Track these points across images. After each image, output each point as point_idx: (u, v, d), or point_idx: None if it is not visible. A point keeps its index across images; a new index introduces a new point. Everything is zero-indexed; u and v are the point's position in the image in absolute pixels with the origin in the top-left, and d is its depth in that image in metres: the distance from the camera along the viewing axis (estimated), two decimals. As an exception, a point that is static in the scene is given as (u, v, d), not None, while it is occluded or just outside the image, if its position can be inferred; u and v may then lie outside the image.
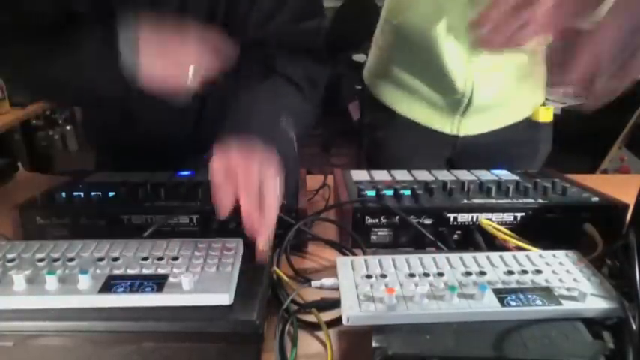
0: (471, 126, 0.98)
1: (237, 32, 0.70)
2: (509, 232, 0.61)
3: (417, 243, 0.65)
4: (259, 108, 0.65)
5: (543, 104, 1.01)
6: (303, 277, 0.58)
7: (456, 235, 0.66)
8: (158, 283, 0.47)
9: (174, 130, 0.80)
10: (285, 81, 0.73)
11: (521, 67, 0.92)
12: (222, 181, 0.53)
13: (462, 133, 0.98)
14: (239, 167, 0.52)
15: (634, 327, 0.42)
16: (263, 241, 0.52)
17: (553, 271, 0.51)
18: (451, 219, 0.65)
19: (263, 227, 0.52)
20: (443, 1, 0.85)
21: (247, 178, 0.52)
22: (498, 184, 0.72)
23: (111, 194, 0.64)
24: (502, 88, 0.94)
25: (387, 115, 1.01)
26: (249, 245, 0.53)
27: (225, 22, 0.71)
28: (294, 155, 0.64)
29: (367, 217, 0.65)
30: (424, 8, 0.87)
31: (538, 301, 0.45)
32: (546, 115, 1.00)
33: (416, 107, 0.98)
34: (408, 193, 0.69)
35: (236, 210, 0.52)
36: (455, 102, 0.94)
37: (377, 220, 0.66)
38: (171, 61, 0.58)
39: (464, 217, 0.65)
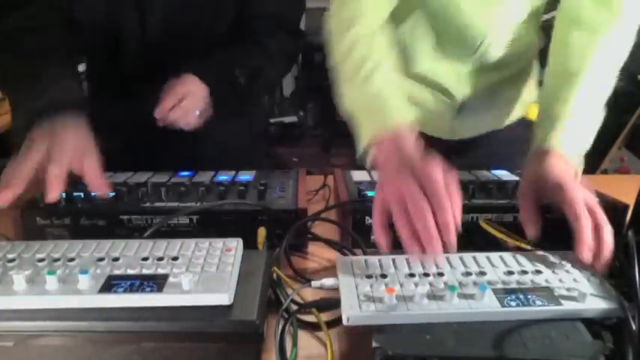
0: (465, 129, 0.98)
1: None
2: (509, 232, 0.60)
3: (417, 243, 0.65)
4: (216, 59, 0.86)
5: (535, 104, 1.01)
6: (303, 277, 0.58)
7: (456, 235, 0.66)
8: (158, 283, 0.47)
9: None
10: (259, 50, 0.91)
11: (515, 72, 0.93)
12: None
13: (456, 137, 0.99)
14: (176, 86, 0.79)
15: (634, 327, 0.43)
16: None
17: (553, 272, 0.51)
18: (451, 219, 0.65)
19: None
20: (433, 21, 0.85)
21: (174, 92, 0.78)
22: (498, 184, 0.72)
23: (111, 194, 0.64)
24: (496, 90, 0.94)
25: None
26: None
27: None
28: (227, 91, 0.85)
29: (367, 217, 0.65)
30: (414, 25, 0.87)
31: (538, 302, 0.46)
32: (535, 113, 1.00)
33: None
34: (408, 193, 0.68)
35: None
36: (449, 106, 0.94)
37: (377, 220, 0.65)
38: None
39: (464, 217, 0.65)
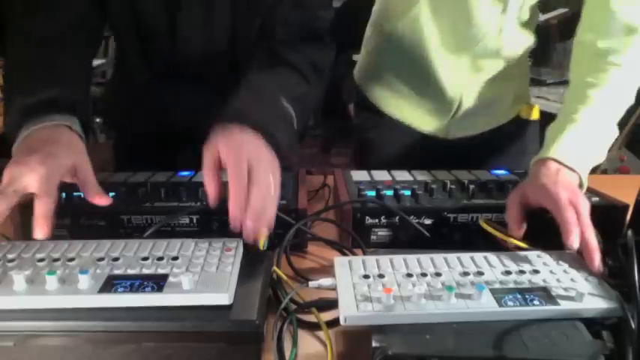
0: (460, 129, 0.98)
1: (252, 12, 0.77)
2: (508, 233, 0.61)
3: (417, 243, 0.65)
4: (258, 93, 0.67)
5: (528, 103, 1.02)
6: (303, 277, 0.58)
7: (456, 235, 0.66)
8: (158, 283, 0.47)
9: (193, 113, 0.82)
10: (289, 69, 0.74)
11: (507, 69, 0.93)
12: (211, 169, 0.56)
13: (451, 136, 0.99)
14: (229, 157, 0.55)
15: (633, 327, 0.43)
16: (263, 238, 0.54)
17: (550, 271, 0.51)
18: (451, 219, 0.65)
19: (259, 222, 0.53)
20: (437, 15, 0.85)
21: (236, 167, 0.54)
22: (498, 184, 0.72)
23: (111, 194, 0.64)
24: (491, 91, 0.95)
25: (376, 117, 1.01)
26: (246, 246, 0.54)
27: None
28: (293, 133, 0.68)
29: (367, 217, 0.65)
30: (417, 19, 0.87)
31: (535, 302, 0.46)
32: (533, 113, 1.00)
33: (405, 110, 0.98)
34: (408, 193, 0.69)
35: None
36: (445, 106, 0.95)
37: (377, 220, 0.66)
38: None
39: (464, 217, 0.65)
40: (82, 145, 0.62)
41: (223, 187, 0.56)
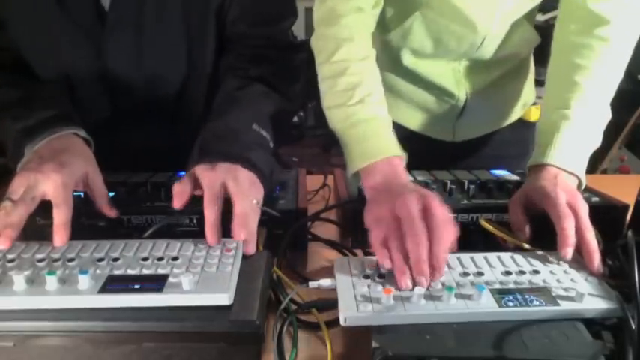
0: (466, 130, 0.98)
1: (209, 27, 0.76)
2: (508, 232, 0.61)
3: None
4: (228, 123, 0.67)
5: (534, 103, 1.02)
6: (303, 278, 0.58)
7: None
8: (158, 283, 0.47)
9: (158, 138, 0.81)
10: (259, 85, 0.74)
11: (512, 69, 0.93)
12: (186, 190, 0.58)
13: (457, 139, 0.99)
14: (204, 179, 0.57)
15: (633, 327, 0.43)
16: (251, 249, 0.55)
17: (550, 272, 0.51)
18: (451, 219, 0.65)
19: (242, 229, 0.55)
20: (432, 22, 0.84)
21: (211, 188, 0.56)
22: (498, 184, 0.72)
23: (111, 194, 0.64)
24: (495, 90, 0.94)
25: None
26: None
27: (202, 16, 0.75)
28: (270, 154, 0.68)
29: (367, 217, 0.65)
30: (410, 30, 0.86)
31: (535, 302, 0.46)
32: (535, 115, 1.00)
33: (409, 114, 0.97)
34: (407, 193, 0.68)
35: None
36: (449, 107, 0.94)
37: (377, 220, 0.65)
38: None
39: (464, 218, 0.65)
40: (91, 154, 0.64)
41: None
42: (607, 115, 0.68)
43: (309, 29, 0.73)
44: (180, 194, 0.58)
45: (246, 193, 0.57)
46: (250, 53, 0.77)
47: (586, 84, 0.67)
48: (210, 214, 0.54)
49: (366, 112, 0.66)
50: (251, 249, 0.55)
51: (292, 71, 0.80)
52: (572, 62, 0.69)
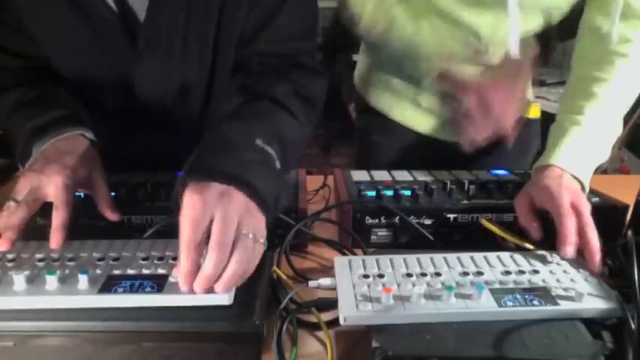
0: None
1: (227, 48, 0.72)
2: (508, 231, 0.61)
3: (417, 243, 0.65)
4: (227, 140, 0.56)
5: (532, 101, 1.02)
6: (303, 277, 0.58)
7: (456, 235, 0.66)
8: (158, 283, 0.47)
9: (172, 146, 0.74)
10: (268, 102, 0.65)
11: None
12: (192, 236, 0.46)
13: (456, 137, 0.99)
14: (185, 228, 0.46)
15: (633, 327, 0.43)
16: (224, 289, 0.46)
17: (550, 272, 0.51)
18: (451, 219, 0.65)
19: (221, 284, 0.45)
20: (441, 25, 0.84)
21: (191, 237, 0.46)
22: (498, 184, 0.72)
23: (111, 194, 0.64)
24: None
25: (380, 120, 1.01)
26: None
27: (216, 38, 0.71)
28: (276, 174, 0.57)
29: (367, 217, 0.65)
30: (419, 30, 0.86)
31: (535, 302, 0.46)
32: (534, 112, 1.01)
33: (410, 114, 0.98)
34: (408, 193, 0.69)
35: None
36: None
37: (377, 220, 0.66)
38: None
39: (464, 218, 0.65)
40: (97, 155, 0.64)
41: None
42: (618, 131, 0.69)
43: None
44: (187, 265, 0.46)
45: (231, 227, 0.46)
46: (263, 70, 0.71)
47: (603, 95, 0.68)
48: (187, 264, 0.45)
49: None
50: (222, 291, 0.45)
51: (308, 94, 0.70)
52: (592, 75, 0.70)
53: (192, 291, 0.45)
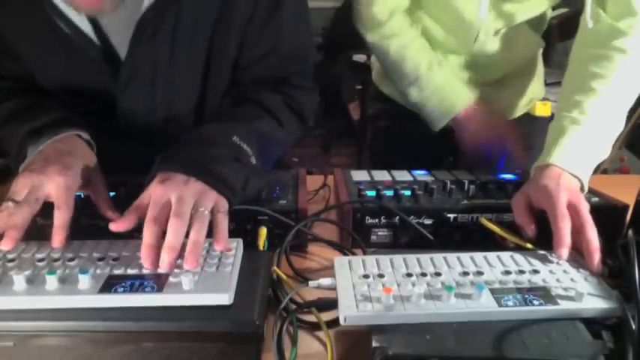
0: None
1: (218, 73, 0.72)
2: (508, 231, 0.61)
3: (417, 243, 0.65)
4: (204, 131, 0.62)
5: (542, 99, 1.02)
6: (303, 277, 0.58)
7: (455, 235, 0.66)
8: (158, 283, 0.47)
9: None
10: (253, 105, 0.70)
11: (518, 69, 0.94)
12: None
13: None
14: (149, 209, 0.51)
15: (633, 327, 0.43)
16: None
17: (550, 271, 0.51)
18: (451, 219, 0.65)
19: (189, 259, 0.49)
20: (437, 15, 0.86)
21: (150, 215, 0.51)
22: (498, 184, 0.72)
23: (111, 194, 0.64)
24: (502, 85, 0.95)
25: (392, 106, 1.03)
26: None
27: (206, 64, 0.71)
28: (252, 169, 0.61)
29: (367, 217, 0.65)
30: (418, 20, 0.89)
31: (535, 302, 0.46)
32: (544, 110, 1.01)
33: None
34: (408, 193, 0.69)
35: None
36: None
37: (377, 220, 0.66)
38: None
39: (464, 217, 0.65)
40: (94, 157, 0.64)
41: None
42: (620, 127, 0.68)
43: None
44: (124, 219, 0.52)
45: (186, 211, 0.50)
46: (257, 82, 0.73)
47: (602, 91, 0.67)
48: (147, 236, 0.49)
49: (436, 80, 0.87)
50: (190, 265, 0.48)
51: (298, 107, 0.74)
52: (590, 71, 0.70)
53: (156, 268, 0.48)
